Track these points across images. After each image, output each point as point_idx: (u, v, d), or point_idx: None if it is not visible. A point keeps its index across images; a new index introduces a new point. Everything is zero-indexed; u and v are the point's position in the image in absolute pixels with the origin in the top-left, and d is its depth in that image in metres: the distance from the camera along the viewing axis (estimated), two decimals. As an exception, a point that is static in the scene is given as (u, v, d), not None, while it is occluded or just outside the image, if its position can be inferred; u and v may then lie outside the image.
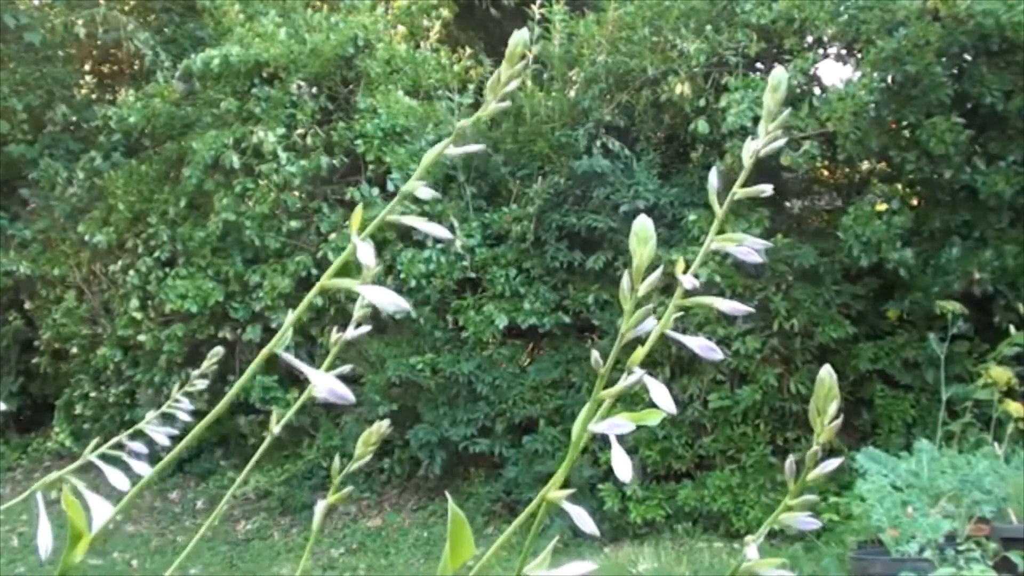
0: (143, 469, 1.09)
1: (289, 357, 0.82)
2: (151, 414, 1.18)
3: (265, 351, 0.82)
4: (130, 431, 1.16)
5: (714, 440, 6.79)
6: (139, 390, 8.29)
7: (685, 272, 0.79)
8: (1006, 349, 6.13)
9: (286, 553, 6.91)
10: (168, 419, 1.19)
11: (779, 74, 0.83)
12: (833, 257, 6.77)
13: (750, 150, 0.82)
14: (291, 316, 0.82)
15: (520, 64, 0.80)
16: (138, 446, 1.14)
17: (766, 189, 0.83)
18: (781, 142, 0.82)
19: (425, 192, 0.80)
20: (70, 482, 1.00)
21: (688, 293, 0.80)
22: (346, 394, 0.76)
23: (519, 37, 0.80)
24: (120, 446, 1.13)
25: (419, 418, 7.28)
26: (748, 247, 0.82)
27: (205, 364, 1.15)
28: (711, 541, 6.46)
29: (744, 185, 0.83)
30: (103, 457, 1.12)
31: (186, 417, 1.18)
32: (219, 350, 1.16)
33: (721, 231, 0.83)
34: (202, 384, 1.18)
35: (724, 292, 6.46)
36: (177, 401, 1.19)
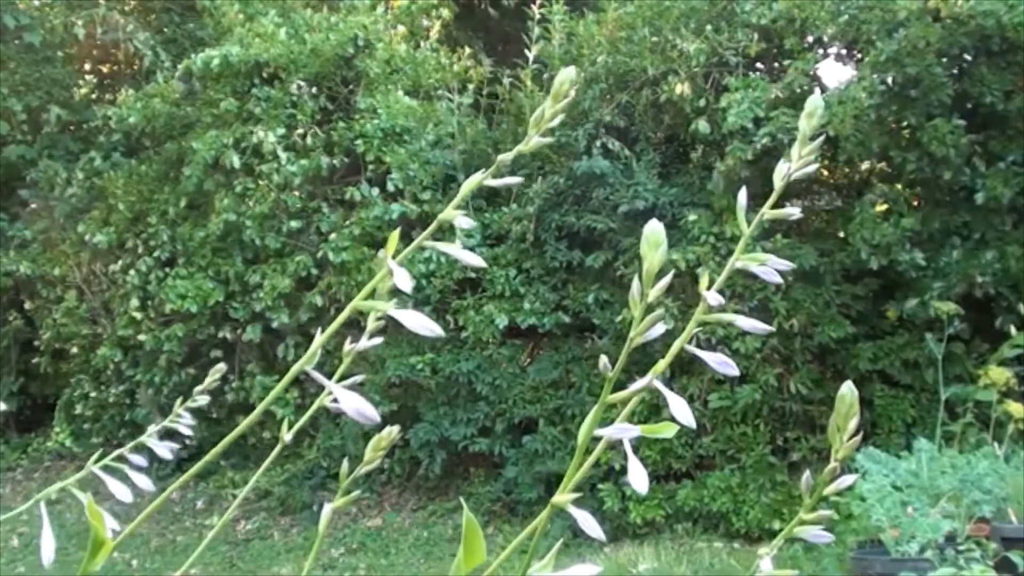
0: (143, 482, 1.09)
1: (318, 376, 0.82)
2: (152, 428, 1.18)
3: (294, 369, 0.82)
4: (131, 445, 1.16)
5: (714, 440, 6.79)
6: (139, 390, 8.30)
7: (709, 288, 0.79)
8: (1007, 351, 6.13)
9: (286, 553, 6.91)
10: (170, 434, 1.19)
11: (816, 101, 0.84)
12: (833, 257, 6.77)
13: (781, 172, 0.83)
14: (319, 337, 0.82)
15: (564, 101, 0.80)
16: (138, 459, 1.14)
17: (794, 212, 0.84)
18: (814, 167, 0.83)
19: (464, 221, 0.81)
20: (73, 492, 1.00)
21: (710, 309, 0.80)
22: (374, 416, 0.76)
23: (566, 75, 0.80)
24: (123, 459, 1.14)
25: (419, 418, 7.28)
26: (771, 267, 0.82)
27: (208, 380, 1.15)
28: (711, 541, 6.46)
29: (774, 206, 0.84)
30: (104, 468, 1.12)
31: (188, 432, 1.18)
32: (221, 367, 1.16)
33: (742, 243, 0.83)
34: (204, 400, 1.18)
35: (724, 292, 6.45)
36: (179, 416, 1.19)
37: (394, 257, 0.79)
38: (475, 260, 0.82)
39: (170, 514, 7.67)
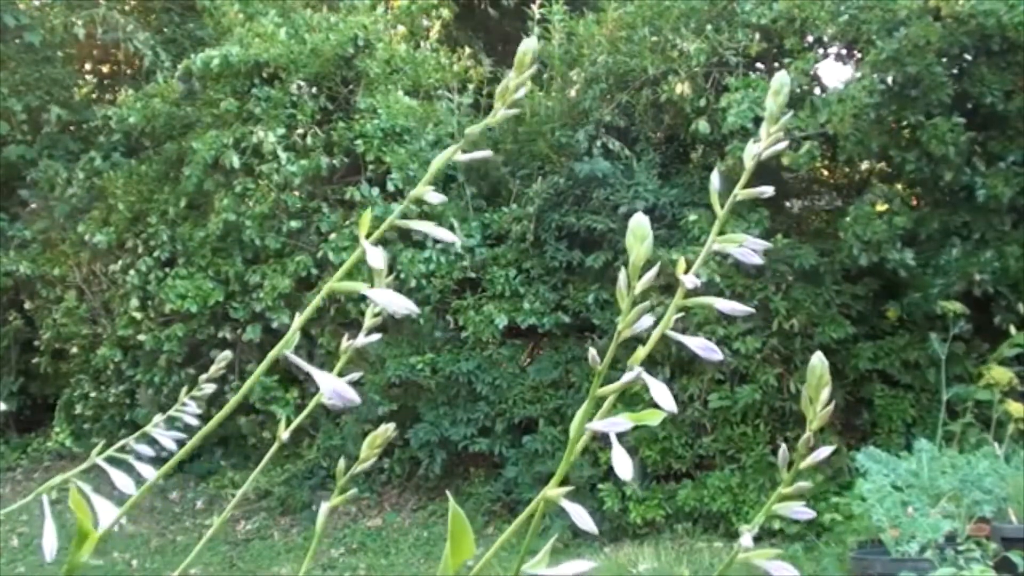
0: (147, 472, 1.09)
1: (296, 359, 0.82)
2: (158, 417, 1.18)
3: (272, 354, 0.82)
4: (136, 435, 1.16)
5: (714, 440, 6.78)
6: (139, 390, 8.29)
7: (686, 272, 0.79)
8: (1007, 350, 6.13)
9: (286, 553, 6.91)
10: (173, 422, 1.19)
11: (782, 78, 0.83)
12: (833, 257, 6.77)
13: (752, 152, 0.82)
14: (298, 319, 0.82)
15: (528, 71, 0.80)
16: (143, 448, 1.14)
17: (767, 191, 0.83)
18: (782, 144, 0.83)
19: (434, 197, 0.81)
20: (75, 485, 1.00)
21: (689, 293, 0.80)
22: (352, 397, 0.76)
23: (527, 45, 0.80)
24: (125, 449, 1.14)
25: (419, 418, 7.28)
26: (748, 248, 0.82)
27: (213, 368, 1.15)
28: (711, 541, 6.46)
29: (746, 186, 0.83)
30: (107, 460, 1.12)
31: (193, 421, 1.18)
32: (227, 354, 1.16)
33: (722, 232, 0.83)
34: (209, 389, 1.18)
35: (724, 292, 6.46)
36: (184, 405, 1.19)
37: (367, 237, 0.79)
38: (448, 236, 0.82)
39: (170, 514, 7.67)
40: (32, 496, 1.08)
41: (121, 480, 1.06)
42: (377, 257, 0.77)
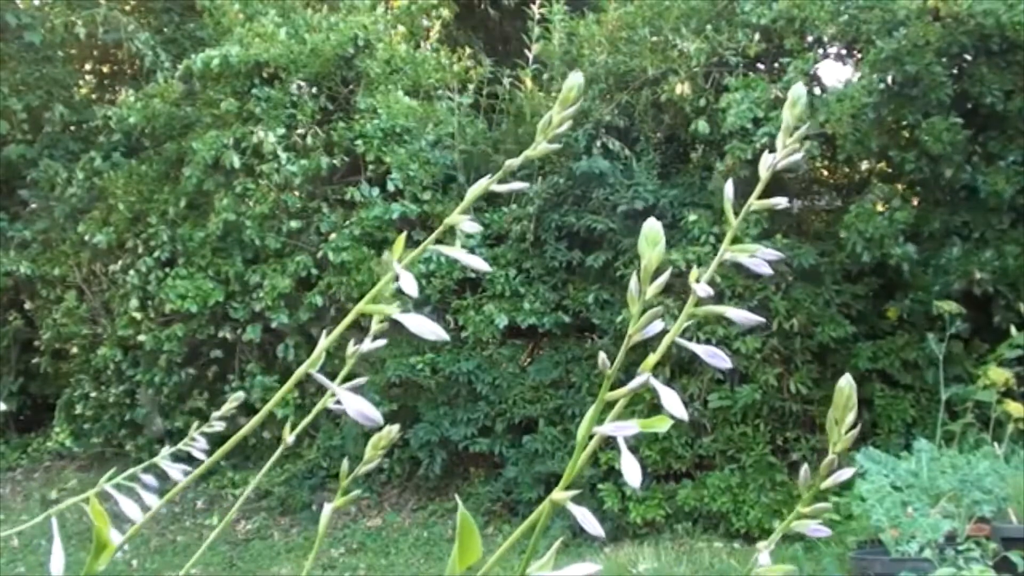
0: (153, 502, 1.10)
1: (323, 379, 0.82)
2: (165, 451, 1.19)
3: (299, 372, 0.82)
4: (145, 464, 1.17)
5: (714, 440, 6.79)
6: (139, 390, 8.29)
7: (698, 280, 0.79)
8: (1007, 351, 6.12)
9: (286, 553, 6.91)
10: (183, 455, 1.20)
11: (798, 90, 0.83)
12: (833, 257, 6.78)
13: (767, 163, 0.82)
14: (324, 340, 0.82)
15: (572, 108, 0.80)
16: (151, 480, 1.15)
17: (781, 202, 0.83)
18: (798, 156, 0.82)
19: (469, 226, 0.81)
20: (84, 509, 1.01)
21: (700, 301, 0.80)
22: (377, 418, 0.77)
23: (574, 81, 0.80)
24: (134, 478, 1.15)
25: (419, 418, 7.28)
26: (760, 258, 0.82)
27: (225, 407, 1.16)
28: (711, 541, 6.46)
29: (760, 196, 0.83)
30: (117, 487, 1.14)
31: (202, 456, 1.19)
32: (240, 395, 1.16)
33: (735, 240, 0.83)
34: (220, 426, 1.19)
35: (724, 292, 6.46)
36: (193, 440, 1.20)
37: (399, 260, 0.79)
38: (481, 265, 0.82)
39: (170, 514, 7.67)
40: (42, 518, 1.09)
41: (128, 507, 1.07)
42: (411, 284, 0.77)
